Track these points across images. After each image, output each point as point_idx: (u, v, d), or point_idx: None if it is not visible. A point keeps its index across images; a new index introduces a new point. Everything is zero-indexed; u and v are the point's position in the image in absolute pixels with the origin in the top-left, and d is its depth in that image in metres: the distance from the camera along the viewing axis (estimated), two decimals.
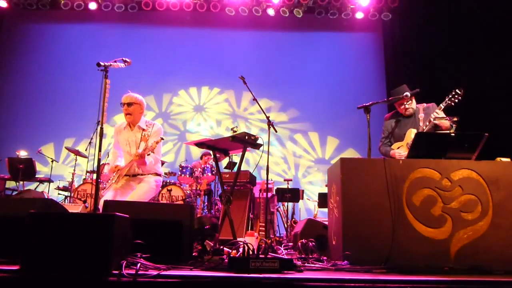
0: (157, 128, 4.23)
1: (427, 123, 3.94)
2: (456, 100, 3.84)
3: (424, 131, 3.93)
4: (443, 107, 3.88)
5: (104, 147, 7.88)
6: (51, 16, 9.94)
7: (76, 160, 7.82)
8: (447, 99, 3.87)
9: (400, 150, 4.14)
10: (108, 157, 7.89)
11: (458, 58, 7.83)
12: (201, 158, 8.06)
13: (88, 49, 9.49)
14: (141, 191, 4.07)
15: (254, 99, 4.68)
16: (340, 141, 9.49)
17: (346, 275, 2.37)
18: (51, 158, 7.98)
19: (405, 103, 4.21)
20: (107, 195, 3.96)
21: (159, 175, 4.31)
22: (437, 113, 3.88)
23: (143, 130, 4.18)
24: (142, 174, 4.18)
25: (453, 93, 3.85)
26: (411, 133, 4.11)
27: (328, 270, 2.79)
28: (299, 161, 9.51)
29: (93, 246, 2.18)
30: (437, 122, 3.91)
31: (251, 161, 8.87)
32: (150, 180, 4.18)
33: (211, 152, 7.62)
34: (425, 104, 4.14)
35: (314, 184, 9.26)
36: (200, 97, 9.80)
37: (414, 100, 4.29)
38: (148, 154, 3.96)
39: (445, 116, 3.98)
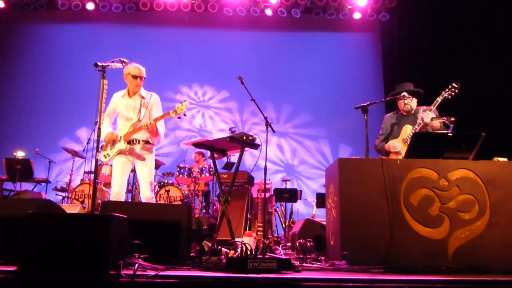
0: (156, 98, 4.47)
1: (419, 124, 3.97)
2: (453, 94, 3.88)
3: (416, 130, 3.96)
4: (440, 100, 3.92)
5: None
6: (48, 16, 9.90)
7: (73, 160, 7.79)
8: (444, 93, 3.91)
9: (394, 142, 4.15)
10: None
11: (456, 58, 7.85)
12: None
13: (86, 49, 9.46)
14: (148, 174, 4.34)
15: (252, 100, 4.68)
16: (337, 141, 9.49)
17: (344, 275, 2.38)
18: (49, 159, 7.95)
19: (404, 99, 4.23)
20: (114, 166, 4.29)
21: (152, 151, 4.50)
22: (428, 113, 3.92)
23: (143, 98, 4.40)
24: (146, 143, 4.34)
25: (450, 87, 3.90)
26: (407, 129, 4.15)
27: (326, 270, 2.80)
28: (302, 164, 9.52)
29: (91, 247, 2.18)
30: (427, 121, 3.94)
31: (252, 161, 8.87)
32: (150, 158, 4.39)
33: (203, 152, 7.70)
34: (425, 107, 4.17)
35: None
36: (198, 97, 9.80)
37: (415, 99, 4.30)
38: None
39: (439, 116, 4.01)
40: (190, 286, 2.15)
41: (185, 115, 4.20)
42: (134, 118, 4.31)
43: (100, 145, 4.35)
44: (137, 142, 4.32)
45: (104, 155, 4.37)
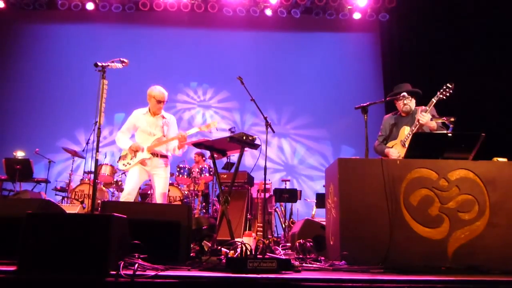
0: (174, 119, 4.97)
1: (416, 124, 3.98)
2: (448, 94, 3.88)
3: (415, 130, 3.97)
4: (434, 101, 3.92)
5: (102, 148, 7.87)
6: (48, 16, 9.90)
7: (73, 160, 7.79)
8: (438, 93, 3.91)
9: (394, 150, 4.16)
10: (106, 157, 7.90)
11: (456, 58, 7.85)
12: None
13: (86, 49, 9.45)
14: (164, 186, 4.71)
15: (252, 100, 4.68)
16: (339, 142, 9.49)
17: (343, 275, 2.38)
18: (48, 159, 7.95)
19: (404, 100, 4.24)
20: (130, 172, 4.62)
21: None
22: (423, 114, 3.92)
23: (163, 117, 4.81)
24: (162, 156, 4.73)
25: (444, 87, 3.90)
26: (405, 130, 4.15)
27: (326, 270, 2.80)
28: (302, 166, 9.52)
29: (91, 247, 2.18)
30: (423, 123, 3.94)
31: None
32: (167, 170, 4.78)
33: (203, 153, 7.70)
34: (423, 107, 4.17)
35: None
36: (198, 96, 9.80)
37: (413, 99, 4.30)
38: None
39: (438, 116, 4.01)
40: (189, 286, 2.15)
41: (216, 129, 4.77)
42: (158, 133, 4.70)
43: (121, 153, 4.79)
44: (157, 155, 4.68)
45: (124, 164, 4.67)
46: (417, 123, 3.97)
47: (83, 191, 6.98)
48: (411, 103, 4.28)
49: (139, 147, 4.63)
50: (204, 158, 7.87)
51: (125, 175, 7.46)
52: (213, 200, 7.35)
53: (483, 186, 3.14)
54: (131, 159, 4.64)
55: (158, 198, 4.67)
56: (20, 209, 2.64)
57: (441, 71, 7.74)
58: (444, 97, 3.89)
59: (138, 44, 9.61)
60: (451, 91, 3.87)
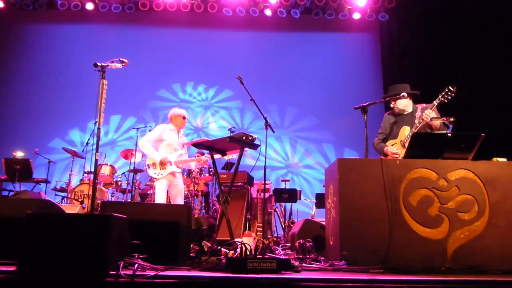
0: (185, 137, 5.65)
1: (420, 122, 3.98)
2: (449, 97, 3.86)
3: (416, 130, 3.96)
4: (436, 104, 3.92)
5: (100, 148, 7.87)
6: (48, 17, 9.89)
7: (73, 160, 7.79)
8: (440, 96, 3.90)
9: (393, 148, 4.15)
10: (105, 157, 7.90)
11: (455, 59, 7.85)
12: None
13: (85, 49, 9.45)
14: (182, 192, 5.43)
15: (252, 100, 4.68)
16: (341, 143, 9.49)
17: (343, 275, 2.38)
18: (48, 159, 7.94)
19: (390, 103, 4.26)
20: (162, 184, 5.12)
21: None
22: (428, 112, 3.92)
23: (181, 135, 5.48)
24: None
25: (446, 90, 3.88)
26: (405, 131, 4.14)
27: (326, 270, 2.80)
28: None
29: (91, 247, 2.18)
30: (427, 121, 3.95)
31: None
32: (182, 179, 5.48)
33: (203, 152, 7.69)
34: (424, 104, 4.16)
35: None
36: (199, 94, 9.79)
37: (401, 101, 4.25)
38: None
39: (439, 116, 4.01)
40: (189, 286, 2.15)
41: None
42: (180, 150, 5.33)
43: (147, 161, 5.25)
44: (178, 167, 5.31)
45: (155, 173, 5.15)
46: (421, 120, 3.97)
47: (83, 191, 6.98)
48: (397, 104, 4.27)
49: (168, 161, 5.13)
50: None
51: (125, 175, 7.56)
52: (213, 200, 7.35)
53: (482, 186, 3.14)
54: (161, 169, 5.14)
55: (178, 202, 5.31)
56: (20, 209, 2.64)
57: (440, 71, 7.74)
58: (446, 101, 3.88)
59: (138, 44, 9.60)
60: (453, 94, 3.85)
